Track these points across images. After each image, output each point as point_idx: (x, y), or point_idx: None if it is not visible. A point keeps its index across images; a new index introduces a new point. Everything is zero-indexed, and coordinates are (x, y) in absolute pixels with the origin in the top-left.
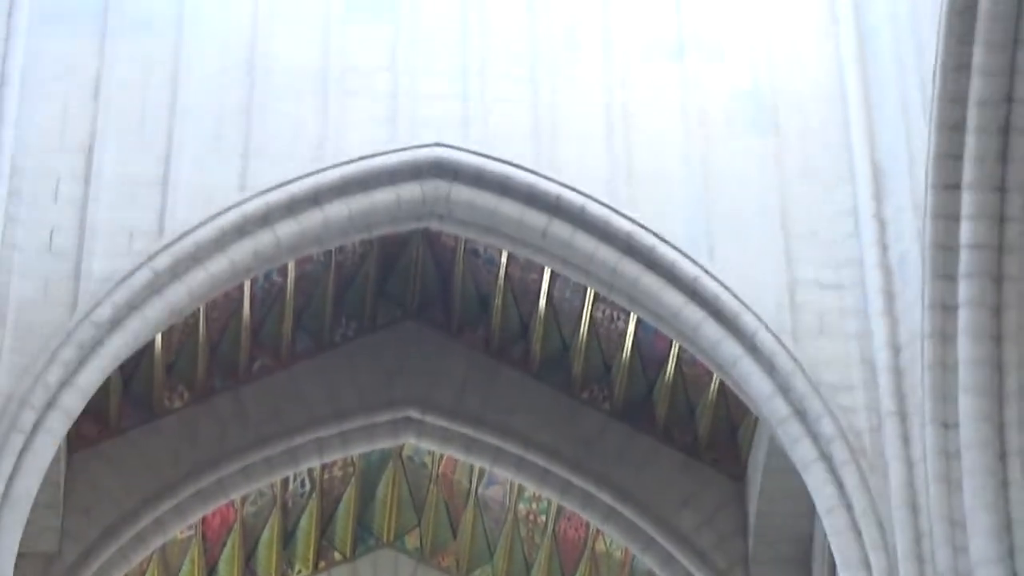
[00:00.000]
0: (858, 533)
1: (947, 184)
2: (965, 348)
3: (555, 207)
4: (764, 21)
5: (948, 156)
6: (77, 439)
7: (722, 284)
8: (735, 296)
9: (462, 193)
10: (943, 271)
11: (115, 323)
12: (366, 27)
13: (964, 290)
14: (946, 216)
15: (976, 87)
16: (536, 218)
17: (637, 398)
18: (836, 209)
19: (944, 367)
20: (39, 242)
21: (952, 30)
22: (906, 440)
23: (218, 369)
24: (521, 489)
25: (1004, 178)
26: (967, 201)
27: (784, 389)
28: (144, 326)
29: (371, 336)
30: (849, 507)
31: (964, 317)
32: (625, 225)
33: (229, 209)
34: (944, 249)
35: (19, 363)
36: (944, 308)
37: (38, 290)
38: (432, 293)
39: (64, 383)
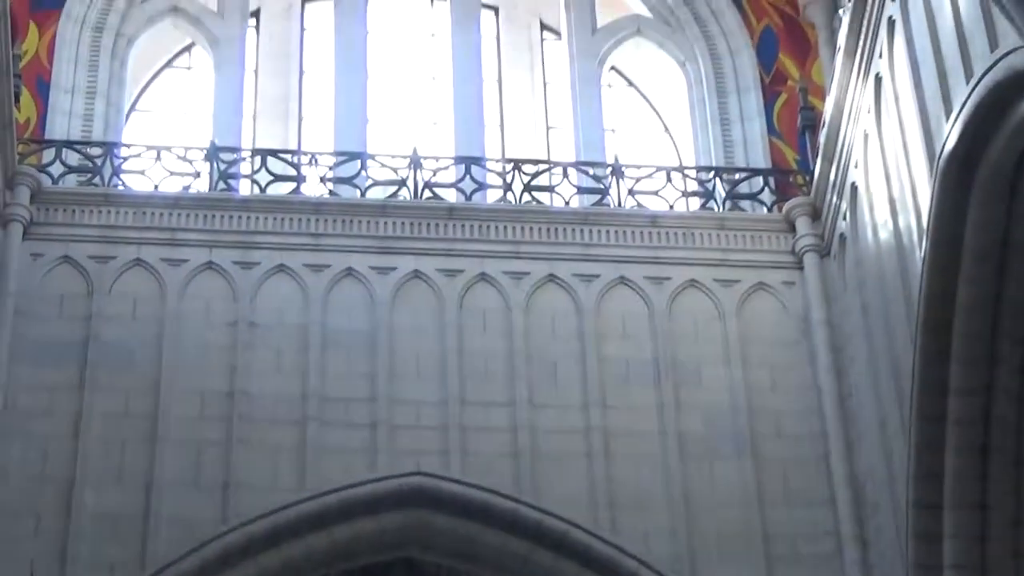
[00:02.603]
0: None
1: (928, 504)
2: None
3: (537, 534)
4: (738, 343)
5: (928, 476)
6: None
7: None
8: None
9: (444, 522)
10: None
11: None
12: (344, 358)
13: None
14: (928, 537)
15: (953, 407)
16: (518, 545)
17: None
18: (817, 530)
19: None
20: None
21: (927, 349)
22: None
23: None
24: None
25: (984, 496)
26: (948, 520)
27: None
28: None
29: None
30: None
31: None
32: (607, 551)
33: (211, 541)
34: (927, 569)
35: None
36: None
37: None
38: None
39: None
